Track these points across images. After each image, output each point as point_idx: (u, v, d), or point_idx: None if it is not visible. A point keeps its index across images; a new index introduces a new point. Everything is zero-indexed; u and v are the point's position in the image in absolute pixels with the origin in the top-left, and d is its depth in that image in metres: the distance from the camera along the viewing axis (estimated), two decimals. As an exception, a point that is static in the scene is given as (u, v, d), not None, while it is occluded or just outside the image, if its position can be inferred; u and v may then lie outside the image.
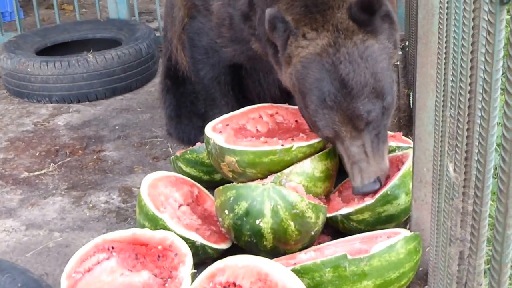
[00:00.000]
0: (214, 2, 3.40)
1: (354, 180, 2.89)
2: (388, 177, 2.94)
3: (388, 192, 2.84)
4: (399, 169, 2.93)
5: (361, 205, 2.87)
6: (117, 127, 4.40)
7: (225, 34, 3.41)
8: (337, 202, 3.02)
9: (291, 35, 2.90)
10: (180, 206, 3.02)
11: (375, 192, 2.86)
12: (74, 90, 4.78)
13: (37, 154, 4.08)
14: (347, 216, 2.89)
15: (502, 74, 1.22)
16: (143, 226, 2.84)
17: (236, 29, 3.34)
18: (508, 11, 1.16)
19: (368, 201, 2.87)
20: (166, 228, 2.76)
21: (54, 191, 3.62)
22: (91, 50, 4.95)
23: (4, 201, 3.56)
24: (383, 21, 2.91)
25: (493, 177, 1.37)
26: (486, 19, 1.25)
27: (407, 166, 2.87)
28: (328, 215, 2.90)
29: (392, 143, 3.25)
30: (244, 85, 3.75)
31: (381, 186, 2.87)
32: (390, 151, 3.21)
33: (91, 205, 3.45)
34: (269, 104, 3.40)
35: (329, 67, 2.81)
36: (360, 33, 2.85)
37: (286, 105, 3.39)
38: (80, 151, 4.07)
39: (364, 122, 2.83)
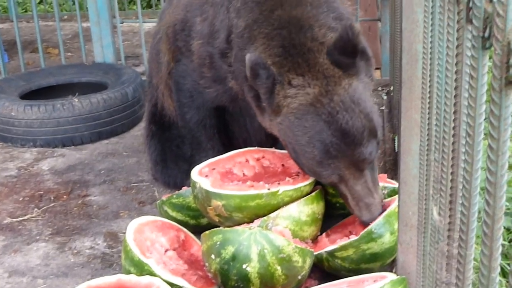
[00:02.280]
0: (194, 42, 3.42)
1: (363, 215, 2.96)
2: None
3: (373, 230, 2.85)
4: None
5: (346, 241, 2.88)
6: (102, 172, 4.39)
7: (206, 74, 3.43)
8: (324, 243, 3.03)
9: (277, 83, 2.93)
10: (166, 251, 3.00)
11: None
12: (59, 134, 4.76)
13: (20, 199, 4.04)
14: (331, 253, 2.89)
15: (485, 118, 1.23)
16: (128, 272, 2.81)
17: (217, 68, 3.36)
18: (490, 58, 1.17)
19: (353, 237, 2.88)
20: (152, 273, 2.73)
21: (37, 237, 3.58)
22: (77, 94, 4.95)
23: (-13, 247, 3.52)
24: (361, 59, 2.96)
25: (477, 220, 1.37)
26: (469, 64, 1.27)
27: (393, 206, 2.89)
28: (314, 253, 2.90)
29: (379, 183, 3.27)
30: (230, 130, 3.77)
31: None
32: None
33: (75, 251, 3.42)
34: (256, 148, 3.41)
35: (327, 118, 2.84)
36: (346, 78, 2.89)
37: (273, 149, 3.40)
38: (64, 196, 4.05)
39: (367, 163, 2.91)
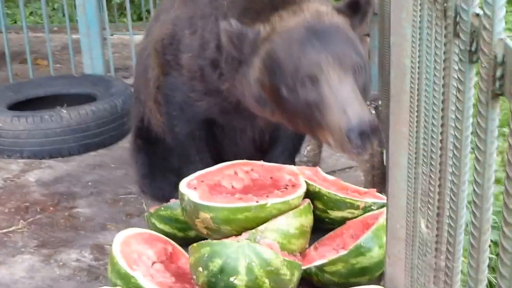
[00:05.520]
0: (183, 55, 3.43)
1: (344, 122, 2.78)
2: (362, 231, 2.96)
3: (362, 244, 2.86)
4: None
5: (335, 256, 2.88)
6: (90, 184, 4.37)
7: (198, 88, 3.44)
8: (313, 257, 3.03)
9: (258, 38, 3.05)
10: (153, 263, 2.99)
11: (371, 145, 2.80)
12: (47, 146, 4.74)
13: (6, 210, 4.01)
14: (321, 268, 2.90)
15: (472, 133, 1.24)
16: (115, 285, 2.80)
17: (208, 81, 3.36)
18: (477, 72, 1.18)
19: (342, 251, 2.88)
20: (138, 286, 2.72)
21: (23, 249, 3.55)
22: (65, 105, 4.94)
23: (-29, 259, 3.49)
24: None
25: (465, 233, 1.38)
26: (456, 77, 1.28)
27: (381, 220, 2.89)
28: (303, 267, 2.90)
29: (368, 199, 3.28)
30: (220, 144, 3.77)
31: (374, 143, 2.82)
32: (366, 207, 3.25)
33: (61, 263, 3.40)
34: (245, 160, 3.41)
35: (312, 32, 2.99)
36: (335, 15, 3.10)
37: (262, 162, 3.40)
38: (51, 208, 4.03)
39: (352, 64, 2.95)
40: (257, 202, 2.96)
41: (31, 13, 10.75)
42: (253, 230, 2.92)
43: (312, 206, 3.20)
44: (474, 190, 1.13)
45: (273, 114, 3.18)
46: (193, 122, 3.61)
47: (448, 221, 1.39)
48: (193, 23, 3.41)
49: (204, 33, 3.33)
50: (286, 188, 3.16)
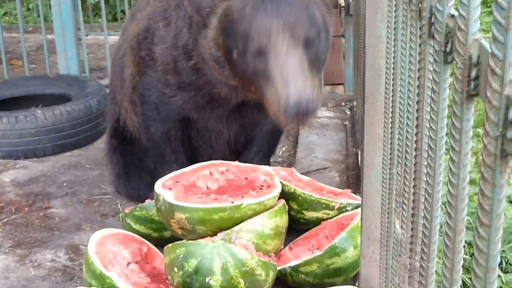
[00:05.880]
0: (157, 48, 3.43)
1: (283, 100, 2.75)
2: (337, 232, 2.97)
3: (337, 245, 2.87)
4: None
5: (310, 256, 2.89)
6: (65, 184, 4.34)
7: (171, 81, 3.43)
8: (288, 257, 3.03)
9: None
10: (128, 264, 2.97)
11: (312, 114, 2.77)
12: (21, 146, 4.70)
13: (-19, 211, 3.99)
14: (295, 268, 2.90)
15: (447, 134, 1.25)
16: (90, 285, 2.79)
17: (181, 73, 3.36)
18: (451, 73, 1.19)
19: (317, 252, 2.89)
20: (114, 286, 2.71)
21: (-2, 249, 3.53)
22: (40, 106, 4.90)
23: None
24: None
25: (439, 233, 1.38)
26: (431, 78, 1.29)
27: (356, 220, 2.91)
28: (278, 268, 2.90)
29: (343, 200, 3.30)
30: (195, 146, 3.76)
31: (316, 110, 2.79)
32: (341, 208, 3.26)
33: (36, 264, 3.38)
34: (220, 161, 3.40)
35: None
36: None
37: (237, 163, 3.39)
38: (26, 208, 4.00)
39: (304, 34, 2.88)
40: (232, 202, 2.96)
41: (5, 13, 10.68)
42: (228, 231, 2.92)
43: (287, 206, 3.21)
44: (448, 190, 1.13)
45: (230, 76, 3.16)
46: (169, 122, 3.60)
47: (422, 222, 1.40)
48: (167, 15, 3.42)
49: (177, 23, 3.33)
50: (261, 189, 3.16)
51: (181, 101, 3.48)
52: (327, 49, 3.05)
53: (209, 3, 3.07)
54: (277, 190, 3.14)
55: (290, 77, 2.77)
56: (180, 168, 3.35)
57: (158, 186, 3.12)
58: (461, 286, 1.22)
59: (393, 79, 1.87)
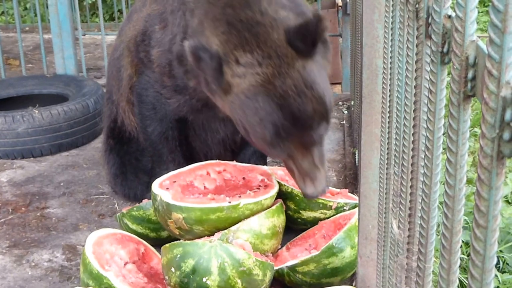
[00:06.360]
0: (154, 50, 3.42)
1: (308, 188, 2.95)
2: (334, 232, 2.97)
3: (334, 244, 2.87)
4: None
5: (307, 256, 2.89)
6: (62, 184, 4.34)
7: (167, 84, 3.42)
8: (285, 257, 3.04)
9: (223, 63, 2.87)
10: (125, 264, 2.97)
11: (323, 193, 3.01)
12: (18, 146, 4.70)
13: (-22, 211, 3.98)
14: (293, 268, 2.90)
15: (444, 133, 1.25)
16: (87, 285, 2.78)
17: (176, 77, 3.34)
18: (448, 74, 1.19)
19: (314, 252, 2.89)
20: (111, 286, 2.71)
21: (-5, 250, 3.53)
22: (37, 105, 4.90)
23: None
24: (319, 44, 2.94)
25: (436, 234, 1.38)
26: (428, 78, 1.29)
27: (353, 220, 2.91)
28: (275, 267, 2.90)
29: (340, 200, 3.30)
30: (191, 145, 3.76)
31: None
32: (338, 208, 3.26)
33: (33, 264, 3.38)
34: (217, 161, 3.40)
35: (279, 100, 2.80)
36: (300, 59, 2.85)
37: (234, 163, 3.40)
38: (23, 208, 3.99)
39: (315, 144, 2.91)
40: (229, 202, 2.96)
41: (2, 13, 10.67)
42: (225, 231, 2.92)
43: (284, 206, 3.21)
44: (445, 191, 1.13)
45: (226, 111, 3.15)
46: (166, 122, 3.60)
47: (419, 222, 1.40)
48: (163, 18, 3.41)
49: (173, 28, 3.32)
50: (258, 189, 3.16)
51: (177, 104, 3.48)
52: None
53: (214, 74, 2.91)
54: (274, 190, 3.14)
55: (303, 172, 2.96)
56: (177, 168, 3.35)
57: (155, 186, 3.12)
58: (458, 286, 1.22)
59: (390, 79, 1.87)
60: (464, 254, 3.62)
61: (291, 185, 3.32)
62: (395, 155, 1.79)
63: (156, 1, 3.53)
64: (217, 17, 2.96)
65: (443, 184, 1.15)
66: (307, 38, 2.83)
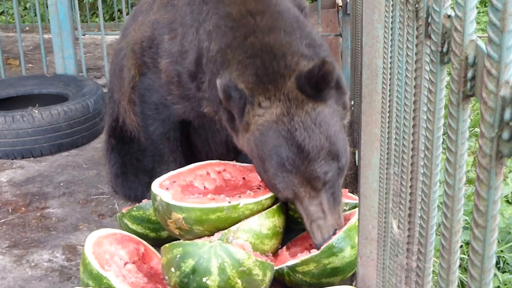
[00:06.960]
0: (162, 60, 3.43)
1: (315, 237, 2.96)
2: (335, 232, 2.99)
3: (334, 244, 2.87)
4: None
5: (307, 256, 2.89)
6: (62, 184, 4.34)
7: (174, 92, 3.43)
8: (285, 257, 3.03)
9: (248, 103, 2.98)
10: (125, 264, 2.97)
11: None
12: (18, 146, 4.70)
13: (-22, 211, 3.98)
14: (293, 268, 2.90)
15: (444, 133, 1.24)
16: (87, 285, 2.78)
17: (185, 87, 3.37)
18: (448, 73, 1.19)
19: (314, 252, 2.89)
20: (111, 286, 2.71)
21: (-6, 250, 3.53)
22: (37, 105, 4.90)
23: None
24: (332, 88, 2.98)
25: (436, 233, 1.38)
26: (428, 78, 1.28)
27: (353, 220, 2.91)
28: (275, 267, 2.90)
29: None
30: (193, 144, 3.77)
31: None
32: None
33: (33, 264, 3.37)
34: (217, 161, 3.41)
35: (286, 134, 2.89)
36: (310, 102, 2.94)
37: (234, 163, 3.40)
38: (23, 208, 3.99)
39: (322, 183, 2.92)
40: (229, 202, 2.96)
41: (2, 13, 10.66)
42: (225, 231, 2.92)
43: (284, 206, 3.20)
44: (445, 191, 1.13)
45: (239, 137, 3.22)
46: (168, 122, 3.60)
47: (419, 222, 1.39)
48: (173, 29, 3.41)
49: (183, 41, 3.33)
50: (258, 189, 3.16)
51: (183, 110, 3.50)
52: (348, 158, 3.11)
53: (239, 112, 3.02)
54: (274, 190, 3.13)
55: (311, 217, 2.98)
56: (178, 168, 3.35)
57: (155, 186, 3.12)
58: (458, 286, 1.21)
59: (390, 79, 1.87)
60: (464, 254, 3.61)
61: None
62: (395, 155, 1.78)
63: (166, 8, 3.52)
64: (245, 64, 3.05)
65: (443, 184, 1.15)
66: (313, 83, 2.91)
